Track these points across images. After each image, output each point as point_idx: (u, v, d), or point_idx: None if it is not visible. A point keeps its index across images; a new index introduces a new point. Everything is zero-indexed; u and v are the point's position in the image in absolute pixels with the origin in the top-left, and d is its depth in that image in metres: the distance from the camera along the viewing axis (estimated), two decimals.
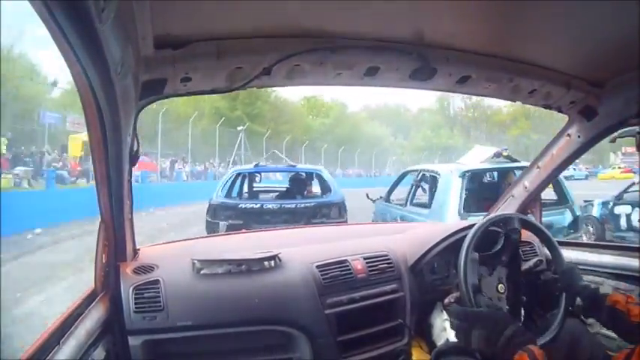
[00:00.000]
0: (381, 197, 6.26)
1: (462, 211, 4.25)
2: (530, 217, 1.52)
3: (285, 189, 7.71)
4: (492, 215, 1.57)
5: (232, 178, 6.83)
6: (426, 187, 5.46)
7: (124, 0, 0.76)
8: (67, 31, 0.65)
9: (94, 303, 1.27)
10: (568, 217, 4.72)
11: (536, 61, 1.40)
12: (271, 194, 7.87)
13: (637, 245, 1.76)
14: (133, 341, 1.34)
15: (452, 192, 4.40)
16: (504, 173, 4.96)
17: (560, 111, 1.63)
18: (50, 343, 0.99)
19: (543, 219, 2.26)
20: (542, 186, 1.97)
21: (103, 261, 1.36)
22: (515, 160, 4.88)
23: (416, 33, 1.21)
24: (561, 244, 1.59)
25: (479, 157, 5.18)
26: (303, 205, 6.27)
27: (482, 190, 4.98)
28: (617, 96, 1.49)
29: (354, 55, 1.25)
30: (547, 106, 1.60)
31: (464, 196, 4.36)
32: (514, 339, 1.03)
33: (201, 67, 1.16)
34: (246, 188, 7.90)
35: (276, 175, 13.48)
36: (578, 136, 1.71)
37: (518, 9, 1.09)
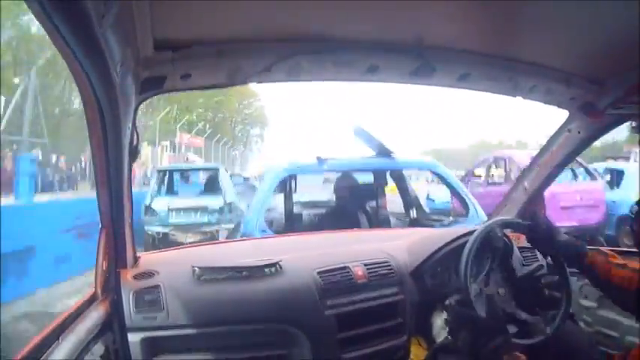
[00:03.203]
0: None
1: None
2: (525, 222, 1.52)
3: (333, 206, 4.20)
4: (493, 220, 1.58)
5: (276, 186, 3.51)
6: None
7: (124, 2, 0.77)
8: (67, 37, 0.66)
9: (94, 304, 1.26)
10: None
11: (536, 60, 1.40)
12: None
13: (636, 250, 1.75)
14: (133, 338, 1.34)
15: None
16: None
17: (560, 107, 1.63)
18: (50, 340, 0.99)
19: None
20: (543, 186, 1.95)
21: (103, 267, 1.35)
22: None
23: (416, 36, 1.22)
24: None
25: None
26: None
27: None
28: (616, 93, 1.49)
29: (354, 57, 1.26)
30: (547, 102, 1.60)
31: None
32: (499, 350, 1.08)
33: (201, 66, 1.17)
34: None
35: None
36: (579, 132, 1.70)
37: (518, 8, 1.09)
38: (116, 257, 1.40)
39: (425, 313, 1.67)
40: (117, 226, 1.34)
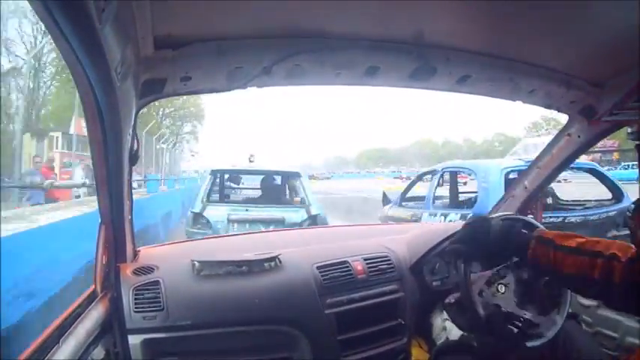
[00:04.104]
0: None
1: None
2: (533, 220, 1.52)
3: None
4: (494, 215, 1.58)
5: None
6: None
7: (123, 1, 0.77)
8: (67, 33, 0.66)
9: (93, 303, 1.27)
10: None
11: (536, 61, 1.40)
12: None
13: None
14: (133, 340, 1.34)
15: None
16: None
17: (560, 110, 1.63)
18: (50, 343, 0.99)
19: None
20: (542, 186, 1.97)
21: (103, 262, 1.36)
22: None
23: (416, 33, 1.21)
24: None
25: None
26: (595, 217, 4.36)
27: None
28: (617, 96, 1.48)
29: (354, 55, 1.25)
30: (547, 106, 1.60)
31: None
32: (506, 352, 1.01)
33: (201, 66, 1.17)
34: None
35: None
36: (579, 136, 1.70)
37: (519, 9, 1.09)
38: (116, 252, 1.41)
39: (425, 313, 1.69)
40: (116, 223, 1.34)
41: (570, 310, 1.48)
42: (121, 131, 1.06)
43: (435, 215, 5.04)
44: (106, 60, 0.78)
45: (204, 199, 5.59)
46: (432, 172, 5.71)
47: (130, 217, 1.41)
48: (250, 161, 6.70)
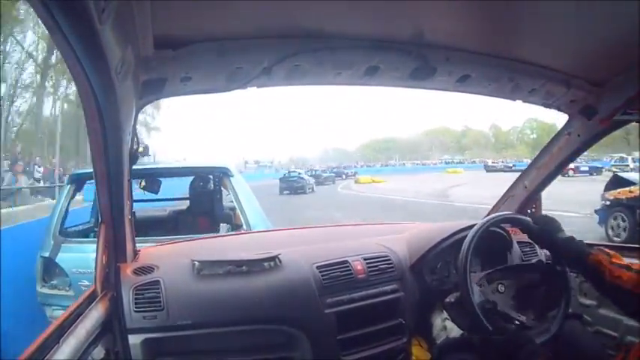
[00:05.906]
0: None
1: None
2: (526, 218, 1.52)
3: None
4: (493, 215, 1.58)
5: None
6: None
7: (123, 0, 0.77)
8: (67, 33, 0.66)
9: (94, 303, 1.27)
10: None
11: (536, 61, 1.40)
12: None
13: (638, 245, 1.75)
14: (133, 340, 1.34)
15: None
16: None
17: (560, 110, 1.63)
18: (50, 342, 0.99)
19: None
20: (542, 185, 1.97)
21: (103, 262, 1.36)
22: None
23: (416, 33, 1.22)
24: None
25: None
26: None
27: None
28: (617, 95, 1.49)
29: (354, 55, 1.25)
30: (547, 105, 1.60)
31: None
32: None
33: (201, 66, 1.17)
34: None
35: None
36: (578, 135, 1.71)
37: (518, 9, 1.09)
38: (116, 252, 1.41)
39: (425, 313, 1.69)
40: (116, 222, 1.35)
41: (571, 310, 1.49)
42: (121, 131, 1.07)
43: None
44: (106, 60, 0.79)
45: (57, 231, 3.18)
46: None
47: (130, 216, 1.42)
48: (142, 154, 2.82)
